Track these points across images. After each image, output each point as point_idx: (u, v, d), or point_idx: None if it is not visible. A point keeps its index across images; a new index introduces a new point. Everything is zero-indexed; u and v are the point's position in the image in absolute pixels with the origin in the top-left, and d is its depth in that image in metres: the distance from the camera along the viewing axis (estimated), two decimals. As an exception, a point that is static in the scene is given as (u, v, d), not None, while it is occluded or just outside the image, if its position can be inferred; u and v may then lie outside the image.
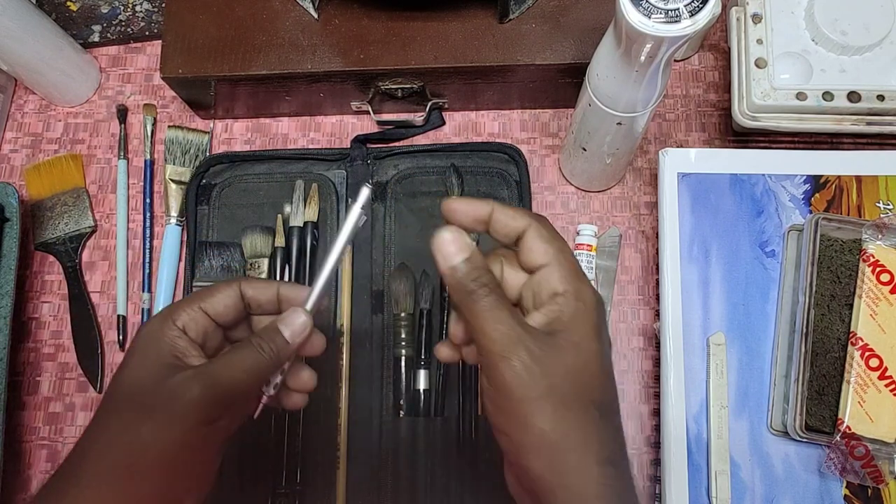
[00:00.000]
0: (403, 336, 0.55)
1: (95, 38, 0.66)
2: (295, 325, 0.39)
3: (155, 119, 0.64)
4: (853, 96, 0.53)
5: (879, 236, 0.49)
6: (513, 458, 0.33)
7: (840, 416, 0.47)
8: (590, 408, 0.32)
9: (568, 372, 0.32)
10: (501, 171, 0.59)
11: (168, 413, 0.35)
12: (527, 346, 0.32)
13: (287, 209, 0.58)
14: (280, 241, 0.57)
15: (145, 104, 0.64)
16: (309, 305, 0.40)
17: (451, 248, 0.34)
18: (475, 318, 0.33)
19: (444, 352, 0.39)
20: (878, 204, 0.53)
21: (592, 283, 0.57)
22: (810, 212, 0.53)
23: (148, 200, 0.62)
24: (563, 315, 0.33)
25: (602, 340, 0.34)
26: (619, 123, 0.48)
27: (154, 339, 0.37)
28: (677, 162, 0.54)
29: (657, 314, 0.56)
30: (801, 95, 0.53)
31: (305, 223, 0.57)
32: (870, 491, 0.48)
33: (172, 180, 0.61)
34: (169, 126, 0.63)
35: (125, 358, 0.38)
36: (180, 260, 0.60)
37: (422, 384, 0.54)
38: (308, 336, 0.39)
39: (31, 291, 0.61)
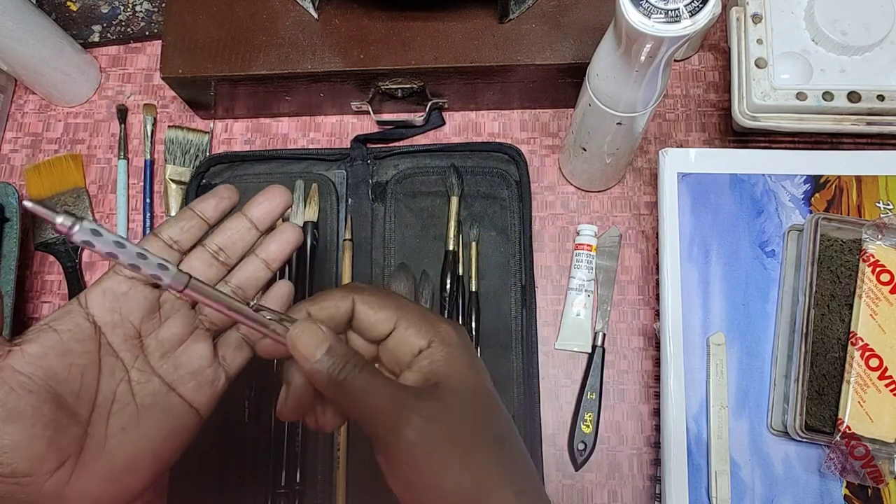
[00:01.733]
0: (403, 336, 0.55)
1: (95, 38, 0.66)
2: None
3: (155, 119, 0.64)
4: (853, 96, 0.53)
5: (879, 236, 0.49)
6: None
7: (840, 416, 0.47)
8: (492, 445, 0.32)
9: (462, 420, 0.31)
10: (501, 171, 0.59)
11: None
12: (415, 409, 0.31)
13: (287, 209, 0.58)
14: (280, 241, 0.57)
15: (145, 104, 0.64)
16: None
17: (307, 346, 0.31)
18: (355, 402, 0.31)
19: (283, 416, 0.35)
20: (878, 204, 0.53)
21: (592, 282, 0.58)
22: (810, 212, 0.53)
23: (148, 200, 0.62)
24: (437, 365, 0.32)
25: (478, 370, 0.33)
26: (619, 123, 0.48)
27: None
28: (677, 162, 0.54)
29: (657, 314, 0.56)
30: (801, 95, 0.53)
31: (305, 223, 0.57)
32: (870, 491, 0.48)
33: (172, 180, 0.61)
34: (169, 126, 0.63)
35: None
36: (180, 260, 0.60)
37: (422, 384, 0.54)
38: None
39: (31, 292, 0.61)
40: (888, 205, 0.53)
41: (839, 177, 0.54)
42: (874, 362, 0.47)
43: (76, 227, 0.28)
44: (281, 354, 0.33)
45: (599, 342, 0.57)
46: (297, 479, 0.53)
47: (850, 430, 0.46)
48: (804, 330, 0.49)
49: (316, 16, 0.57)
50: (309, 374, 0.32)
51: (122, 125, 0.64)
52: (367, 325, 0.34)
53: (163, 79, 0.57)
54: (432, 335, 0.33)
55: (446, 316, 0.56)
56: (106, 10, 0.66)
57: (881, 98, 0.53)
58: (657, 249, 0.56)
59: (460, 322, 0.56)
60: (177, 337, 0.36)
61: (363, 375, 0.31)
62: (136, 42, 0.67)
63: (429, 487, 0.31)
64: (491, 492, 0.30)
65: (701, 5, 0.37)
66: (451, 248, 0.57)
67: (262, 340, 0.34)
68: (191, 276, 0.31)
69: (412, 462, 0.31)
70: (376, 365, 0.35)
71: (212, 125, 0.64)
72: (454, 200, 0.58)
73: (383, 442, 0.31)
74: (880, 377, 0.47)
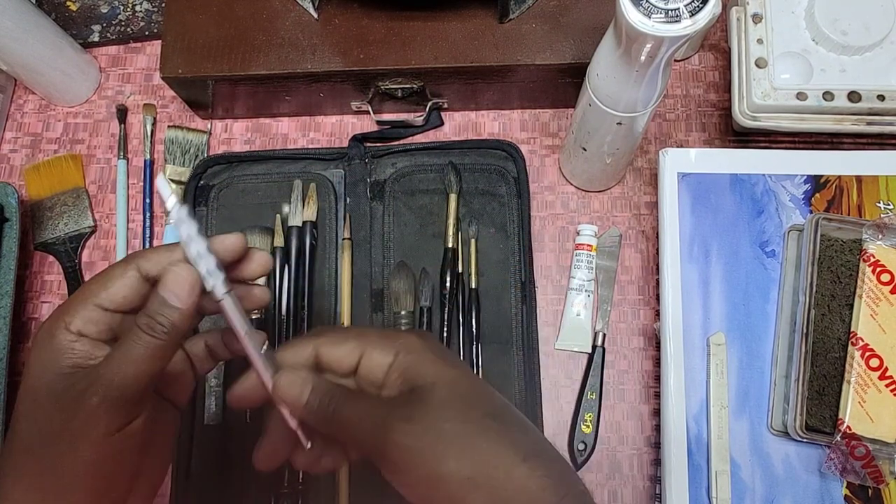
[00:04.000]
0: (403, 336, 0.55)
1: (95, 37, 0.66)
2: (179, 284, 0.32)
3: (155, 119, 0.64)
4: (853, 96, 0.53)
5: (880, 236, 0.49)
6: None
7: (840, 416, 0.47)
8: (484, 421, 0.33)
9: (445, 408, 0.32)
10: (499, 168, 0.59)
11: (70, 434, 0.31)
12: (395, 415, 0.32)
13: (285, 209, 0.58)
14: (279, 242, 0.57)
15: (145, 104, 0.64)
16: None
17: (292, 391, 0.34)
18: (345, 428, 0.34)
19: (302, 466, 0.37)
20: (878, 204, 0.53)
21: (592, 282, 0.58)
22: (810, 212, 0.53)
23: (148, 200, 0.62)
24: (407, 373, 0.34)
25: (450, 364, 0.34)
26: (619, 123, 0.48)
27: (48, 347, 0.33)
28: (677, 162, 0.54)
29: (657, 314, 0.56)
30: (801, 95, 0.53)
31: (304, 223, 0.57)
32: (870, 491, 0.48)
33: (172, 180, 0.61)
34: (169, 126, 0.63)
35: (25, 368, 0.33)
36: (180, 260, 0.60)
37: (422, 384, 0.54)
38: (198, 289, 0.33)
39: (30, 291, 0.61)
40: (888, 205, 0.53)
41: (839, 177, 0.54)
42: (874, 362, 0.47)
43: (175, 208, 0.31)
44: (250, 404, 0.36)
45: (599, 342, 0.57)
46: (300, 479, 0.53)
47: (850, 430, 0.46)
48: (804, 330, 0.49)
49: (316, 16, 0.57)
50: (301, 416, 0.34)
51: (122, 125, 0.64)
52: (335, 361, 0.35)
53: (162, 79, 0.57)
54: (396, 348, 0.35)
55: (446, 312, 0.56)
56: (106, 10, 0.66)
57: (881, 98, 0.53)
58: (657, 249, 0.56)
59: (460, 319, 0.56)
60: None
61: (349, 402, 0.34)
62: (135, 42, 0.67)
63: (435, 483, 0.31)
64: (495, 467, 0.31)
65: (701, 5, 0.37)
66: (450, 245, 0.57)
67: (232, 391, 0.36)
68: (230, 292, 0.33)
69: (411, 464, 0.32)
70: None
71: (209, 125, 0.64)
72: (452, 198, 0.58)
73: (381, 456, 0.33)
74: (881, 377, 0.47)
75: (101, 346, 0.33)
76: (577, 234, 0.59)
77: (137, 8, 0.66)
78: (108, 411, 0.31)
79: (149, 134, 0.63)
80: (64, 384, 0.32)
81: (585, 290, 0.58)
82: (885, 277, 0.49)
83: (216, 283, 0.32)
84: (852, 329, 0.48)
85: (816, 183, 0.54)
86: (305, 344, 0.36)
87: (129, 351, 0.32)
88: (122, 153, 0.63)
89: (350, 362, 0.35)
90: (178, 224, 0.32)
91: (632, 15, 0.38)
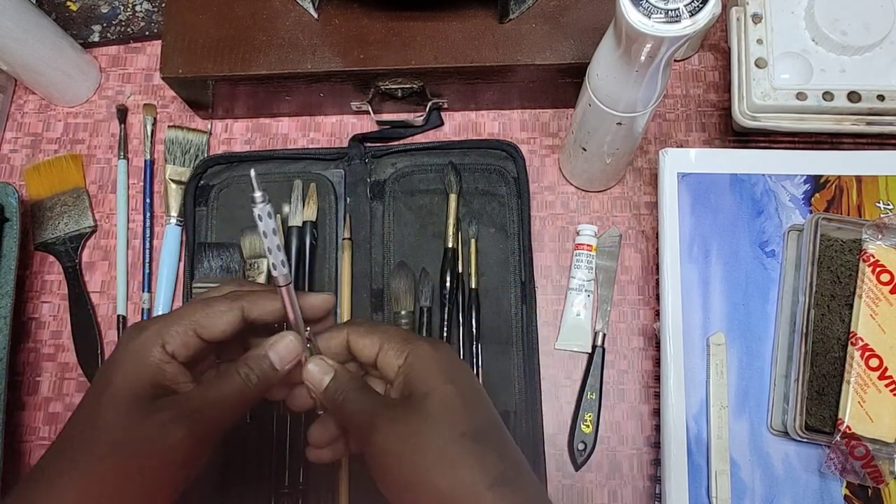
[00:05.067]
0: (403, 336, 0.55)
1: (95, 37, 0.66)
2: (285, 351, 0.37)
3: (155, 119, 0.64)
4: (853, 96, 0.53)
5: (879, 236, 0.49)
6: None
7: (840, 416, 0.47)
8: (462, 441, 0.34)
9: (428, 420, 0.34)
10: (499, 168, 0.59)
11: (147, 454, 0.33)
12: (384, 415, 0.35)
13: (286, 209, 0.58)
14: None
15: (145, 104, 0.64)
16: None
17: (316, 376, 0.38)
18: (346, 418, 0.37)
19: (312, 454, 0.40)
20: (878, 204, 0.53)
21: (592, 282, 0.58)
22: (810, 212, 0.53)
23: (148, 200, 0.62)
24: (409, 377, 0.36)
25: (453, 379, 0.36)
26: (619, 123, 0.48)
27: (139, 360, 0.35)
28: (677, 162, 0.54)
29: (657, 314, 0.56)
30: (801, 95, 0.53)
31: (304, 223, 0.57)
32: (870, 491, 0.48)
33: (172, 180, 0.61)
34: (169, 126, 0.63)
35: (106, 373, 0.35)
36: (180, 260, 0.60)
37: (422, 384, 0.54)
38: (297, 360, 0.38)
39: (31, 291, 0.61)
40: (888, 205, 0.53)
41: (839, 177, 0.54)
42: (874, 362, 0.47)
43: (261, 204, 0.35)
44: (303, 408, 0.40)
45: (599, 342, 0.57)
46: (301, 480, 0.53)
47: (850, 430, 0.46)
48: (804, 330, 0.49)
49: (316, 16, 0.57)
50: (320, 399, 0.38)
51: (122, 125, 0.64)
52: (358, 350, 0.39)
53: (163, 79, 0.57)
54: (408, 352, 0.37)
55: (446, 312, 0.56)
56: (106, 10, 0.66)
57: (881, 98, 0.53)
58: (657, 249, 0.56)
59: (460, 319, 0.56)
60: None
61: (354, 394, 0.37)
62: (136, 42, 0.67)
63: (405, 487, 0.33)
64: (463, 488, 0.33)
65: (701, 5, 0.37)
66: (450, 245, 0.57)
67: (292, 401, 0.40)
68: (290, 285, 0.37)
69: (387, 465, 0.34)
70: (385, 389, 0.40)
71: (210, 125, 0.64)
72: (452, 198, 0.58)
73: (365, 444, 0.35)
74: (880, 377, 0.47)
75: (184, 373, 0.36)
76: (577, 234, 0.59)
77: (137, 8, 0.66)
78: (193, 445, 0.34)
79: (149, 134, 0.63)
80: (148, 401, 0.34)
81: (585, 290, 0.58)
82: (885, 277, 0.49)
83: (279, 275, 0.37)
84: (852, 329, 0.48)
85: (816, 183, 0.54)
86: (339, 330, 0.39)
87: (221, 392, 0.36)
88: (122, 153, 0.63)
89: (370, 354, 0.38)
90: (261, 219, 0.35)
91: (632, 15, 0.38)
